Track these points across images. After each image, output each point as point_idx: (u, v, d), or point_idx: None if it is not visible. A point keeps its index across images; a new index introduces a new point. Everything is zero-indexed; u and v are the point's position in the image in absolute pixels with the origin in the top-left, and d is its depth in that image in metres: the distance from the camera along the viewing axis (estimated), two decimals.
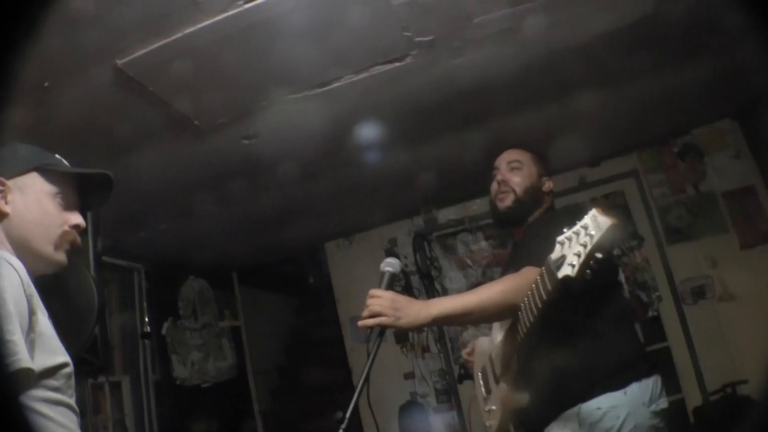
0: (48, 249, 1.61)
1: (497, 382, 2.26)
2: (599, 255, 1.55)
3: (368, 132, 3.57)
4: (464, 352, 2.70)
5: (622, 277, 4.96)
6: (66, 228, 1.64)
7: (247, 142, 3.40)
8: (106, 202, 1.80)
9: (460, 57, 3.07)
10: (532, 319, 1.87)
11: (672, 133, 5.28)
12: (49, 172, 1.64)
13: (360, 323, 1.97)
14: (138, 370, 4.86)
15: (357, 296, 5.89)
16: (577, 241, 1.57)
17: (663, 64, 3.73)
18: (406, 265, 5.46)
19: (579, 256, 1.56)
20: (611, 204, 5.24)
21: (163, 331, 5.11)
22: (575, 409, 2.09)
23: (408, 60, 3.01)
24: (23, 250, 1.57)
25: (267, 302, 6.68)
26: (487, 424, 2.36)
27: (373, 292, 2.00)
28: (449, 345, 5.37)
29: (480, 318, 2.12)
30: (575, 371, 2.09)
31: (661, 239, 5.20)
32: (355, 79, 3.06)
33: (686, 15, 3.04)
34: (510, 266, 2.34)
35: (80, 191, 1.71)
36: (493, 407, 2.31)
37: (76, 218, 1.67)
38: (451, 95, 3.44)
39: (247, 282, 6.31)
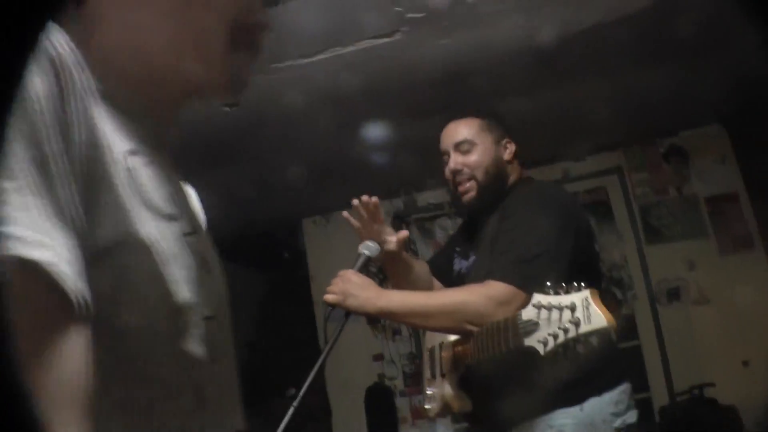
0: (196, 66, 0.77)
1: (442, 375, 2.13)
2: (579, 350, 1.39)
3: (351, 108, 3.51)
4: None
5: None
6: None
7: (227, 109, 3.33)
8: None
9: (448, 37, 3.02)
10: (484, 352, 1.74)
11: (659, 133, 5.27)
12: None
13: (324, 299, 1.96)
14: None
15: (332, 275, 5.83)
16: (559, 319, 1.38)
17: (657, 62, 3.70)
18: None
19: (555, 338, 1.39)
20: (593, 199, 5.23)
21: None
22: (526, 426, 1.90)
23: (397, 36, 2.94)
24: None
25: (239, 275, 6.51)
26: (427, 406, 2.23)
27: (340, 272, 1.99)
28: (421, 331, 5.30)
29: (423, 326, 2.04)
30: (527, 383, 1.84)
31: (640, 238, 5.20)
32: (341, 52, 3.00)
33: (687, 13, 2.98)
34: (476, 248, 2.11)
35: None
36: (435, 395, 2.18)
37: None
38: (439, 75, 3.38)
39: (221, 253, 6.15)
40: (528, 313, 1.48)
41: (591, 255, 2.05)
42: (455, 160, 2.10)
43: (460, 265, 2.23)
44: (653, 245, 5.17)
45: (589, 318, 1.36)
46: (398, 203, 5.60)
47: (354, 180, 4.92)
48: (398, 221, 5.43)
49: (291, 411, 1.66)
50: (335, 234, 5.68)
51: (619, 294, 5.11)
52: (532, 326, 1.45)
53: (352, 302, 1.91)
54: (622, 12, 2.99)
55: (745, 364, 4.73)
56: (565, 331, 1.38)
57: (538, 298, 1.45)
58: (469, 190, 2.08)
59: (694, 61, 3.72)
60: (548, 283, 1.46)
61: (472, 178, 2.07)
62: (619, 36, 3.22)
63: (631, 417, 1.92)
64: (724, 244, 5.08)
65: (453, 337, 2.06)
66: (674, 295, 5.08)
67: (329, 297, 1.95)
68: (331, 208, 5.71)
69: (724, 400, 4.44)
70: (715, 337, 4.88)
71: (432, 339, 2.30)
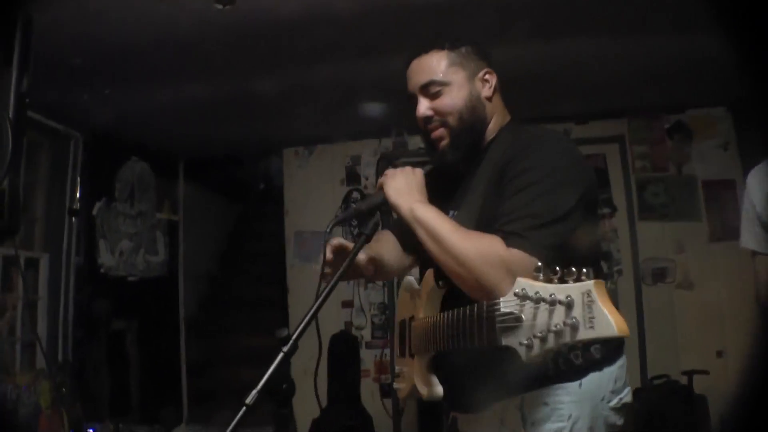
0: None
1: (411, 355, 1.82)
2: (574, 361, 1.10)
3: (351, 29, 3.20)
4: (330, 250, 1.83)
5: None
6: None
7: (220, 7, 3.00)
8: None
9: None
10: (452, 343, 1.47)
11: (666, 108, 5.10)
12: None
13: None
14: (60, 250, 4.48)
15: (307, 211, 5.58)
16: (549, 317, 1.06)
17: (674, 31, 3.49)
18: (365, 187, 5.26)
19: (542, 342, 1.07)
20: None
21: (94, 212, 4.72)
22: (516, 400, 1.63)
23: None
24: None
25: (211, 202, 6.31)
26: (396, 386, 1.94)
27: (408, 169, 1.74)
28: (395, 279, 5.09)
29: (432, 252, 1.57)
30: (512, 365, 1.42)
31: (633, 213, 5.06)
32: None
33: None
34: (458, 203, 1.78)
35: None
36: (404, 374, 1.88)
37: None
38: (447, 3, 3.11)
39: (194, 176, 5.89)
40: (508, 304, 1.15)
41: (593, 222, 1.73)
42: (423, 107, 1.75)
43: None
44: (645, 222, 5.04)
45: (591, 321, 1.00)
46: (387, 144, 5.34)
47: (344, 113, 4.65)
48: (385, 162, 5.18)
49: (280, 356, 1.36)
50: (316, 167, 5.43)
51: (605, 267, 4.95)
52: (513, 321, 1.13)
53: (394, 184, 1.67)
54: None
55: (719, 354, 4.65)
56: (557, 334, 1.04)
57: (522, 284, 1.12)
58: (442, 137, 1.75)
59: (711, 36, 3.49)
60: (537, 264, 1.12)
61: (443, 124, 1.74)
62: None
63: (627, 395, 1.69)
64: (714, 230, 4.95)
65: (422, 314, 1.74)
66: (660, 275, 4.96)
67: (381, 180, 1.73)
68: (315, 139, 5.44)
69: (696, 389, 4.33)
70: (694, 323, 4.78)
71: (403, 311, 1.99)
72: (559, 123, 4.96)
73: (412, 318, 1.83)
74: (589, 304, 1.00)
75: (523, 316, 1.10)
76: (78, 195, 4.55)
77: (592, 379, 1.60)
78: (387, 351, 5.07)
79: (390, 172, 1.72)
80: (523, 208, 1.50)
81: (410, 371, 1.81)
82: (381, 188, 1.70)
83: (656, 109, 5.11)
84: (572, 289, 1.03)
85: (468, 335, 1.36)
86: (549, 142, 1.66)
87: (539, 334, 1.06)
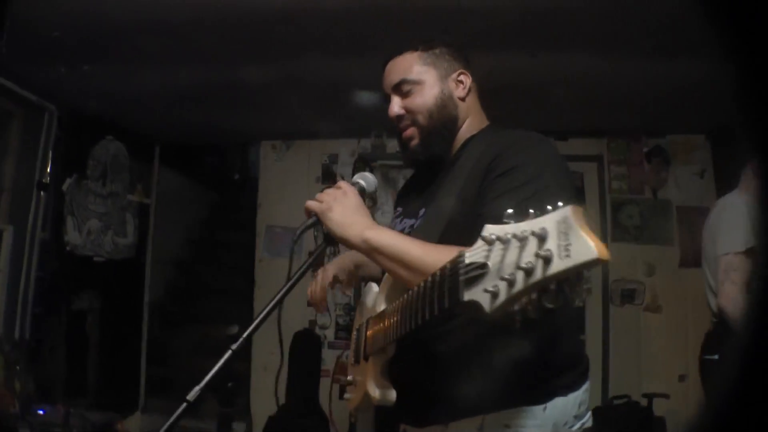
0: None
1: (365, 358, 1.70)
2: (548, 305, 0.90)
3: (336, 24, 3.19)
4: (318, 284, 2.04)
5: None
6: None
7: None
8: None
9: None
10: (412, 320, 1.33)
11: (647, 131, 5.15)
12: None
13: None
14: (26, 223, 4.38)
15: (280, 205, 5.53)
16: (519, 254, 0.91)
17: (660, 55, 3.47)
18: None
19: (511, 284, 0.91)
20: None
21: (64, 187, 4.63)
22: (476, 420, 1.54)
23: None
24: None
25: (184, 189, 6.22)
26: (347, 394, 1.83)
27: (340, 183, 1.64)
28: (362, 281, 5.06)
29: (405, 279, 1.48)
30: (480, 372, 1.53)
31: (606, 233, 5.07)
32: None
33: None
34: (428, 200, 1.74)
35: None
36: (357, 381, 1.77)
37: None
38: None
39: (169, 161, 5.80)
40: (474, 254, 1.00)
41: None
42: (396, 105, 1.75)
43: (402, 225, 1.83)
44: (617, 242, 5.06)
45: (567, 249, 0.85)
46: (366, 145, 5.31)
47: (323, 109, 4.61)
48: (362, 164, 5.13)
49: (228, 354, 1.32)
50: (292, 162, 5.40)
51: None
52: (478, 270, 0.98)
53: (333, 218, 1.55)
54: None
55: (682, 378, 4.69)
56: (528, 272, 0.88)
57: (490, 229, 0.97)
58: (413, 137, 1.74)
59: (698, 61, 3.49)
60: (509, 211, 0.97)
61: (413, 123, 1.74)
62: (634, 12, 3.00)
63: (589, 420, 1.65)
64: (685, 255, 4.98)
65: (382, 309, 1.66)
66: (628, 296, 5.01)
67: (311, 203, 1.59)
68: (294, 134, 5.39)
69: (656, 411, 4.38)
70: (659, 346, 4.83)
71: (361, 315, 1.88)
72: None
73: (369, 320, 1.75)
74: (565, 231, 0.86)
75: (489, 263, 0.96)
76: (49, 169, 4.45)
77: (556, 403, 1.55)
78: (348, 352, 5.01)
79: (326, 197, 1.60)
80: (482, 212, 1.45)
81: (363, 380, 1.69)
82: (318, 213, 1.59)
83: (636, 132, 5.15)
84: (546, 220, 0.89)
85: (428, 306, 1.21)
86: (535, 143, 1.60)
87: (507, 276, 0.91)
